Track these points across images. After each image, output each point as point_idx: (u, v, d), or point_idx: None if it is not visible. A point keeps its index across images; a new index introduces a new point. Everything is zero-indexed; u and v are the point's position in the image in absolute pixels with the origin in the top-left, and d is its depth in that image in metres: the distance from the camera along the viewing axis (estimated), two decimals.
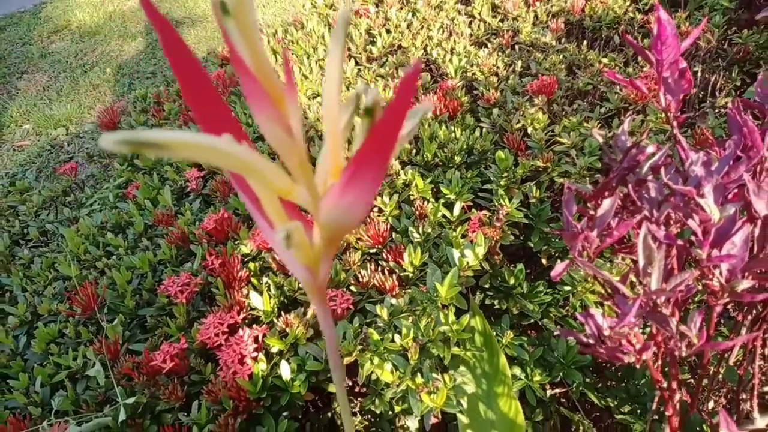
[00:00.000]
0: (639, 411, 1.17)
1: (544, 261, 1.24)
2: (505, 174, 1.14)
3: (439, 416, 0.92)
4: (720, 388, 0.95)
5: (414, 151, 1.26)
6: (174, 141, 0.23)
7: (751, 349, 0.77)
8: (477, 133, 1.27)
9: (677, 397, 0.74)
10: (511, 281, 1.10)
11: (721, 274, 0.58)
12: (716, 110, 1.40)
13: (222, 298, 1.02)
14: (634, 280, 0.66)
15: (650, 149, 0.71)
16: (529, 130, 1.25)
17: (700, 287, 0.62)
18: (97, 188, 1.53)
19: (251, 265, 1.08)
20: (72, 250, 1.23)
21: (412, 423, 1.09)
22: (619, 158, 0.75)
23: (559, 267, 0.65)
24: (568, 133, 1.20)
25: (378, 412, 1.03)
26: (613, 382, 1.24)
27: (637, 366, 0.60)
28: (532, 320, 1.14)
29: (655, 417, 1.12)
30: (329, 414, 1.13)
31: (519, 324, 1.20)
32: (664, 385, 0.67)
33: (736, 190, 0.65)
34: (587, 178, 1.13)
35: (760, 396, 0.87)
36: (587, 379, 1.10)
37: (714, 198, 0.60)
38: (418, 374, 0.85)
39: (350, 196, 0.26)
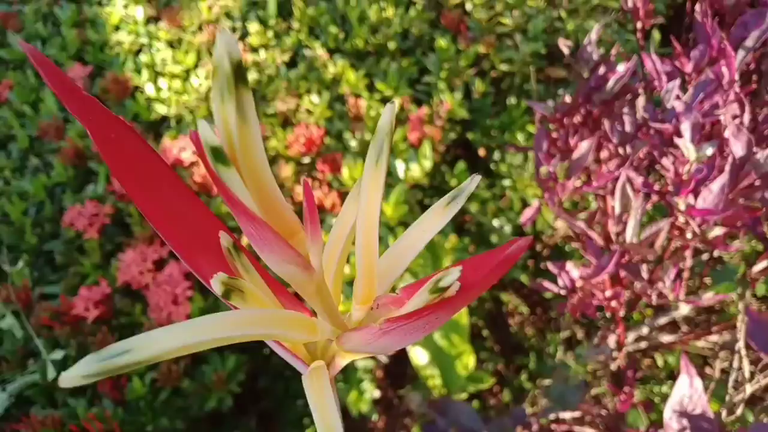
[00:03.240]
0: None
1: (481, 152, 1.20)
2: (446, 65, 1.03)
3: None
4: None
5: (342, 36, 1.11)
6: (163, 353, 0.17)
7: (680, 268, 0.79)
8: (411, 12, 1.12)
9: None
10: (453, 182, 1.06)
11: (693, 219, 0.55)
12: None
13: (139, 228, 0.91)
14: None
15: (620, 68, 0.65)
16: (468, 6, 1.12)
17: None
18: None
19: None
20: None
21: None
22: (585, 74, 0.68)
23: (528, 212, 0.60)
24: (511, 11, 1.09)
25: None
26: (542, 265, 1.30)
27: (607, 314, 0.59)
28: (475, 221, 1.12)
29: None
30: None
31: (455, 220, 1.19)
32: (621, 313, 0.68)
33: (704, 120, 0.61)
34: (532, 66, 1.05)
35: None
36: (520, 271, 1.13)
37: (691, 136, 0.55)
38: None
39: (391, 340, 0.23)
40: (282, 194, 0.22)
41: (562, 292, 0.57)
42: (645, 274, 0.55)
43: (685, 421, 0.56)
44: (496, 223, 1.13)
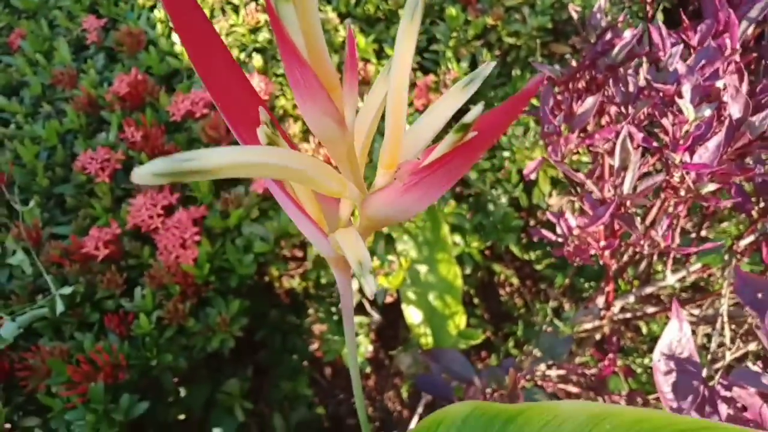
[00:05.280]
0: (558, 264, 1.28)
1: None
2: (455, 34, 1.06)
3: (394, 296, 0.95)
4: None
5: (354, 1, 1.13)
6: (222, 165, 0.20)
7: (673, 220, 0.83)
8: None
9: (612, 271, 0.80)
10: None
11: (688, 174, 0.59)
12: None
13: None
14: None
15: (627, 34, 0.68)
16: None
17: None
18: None
19: (177, 137, 0.98)
20: None
21: (353, 284, 1.13)
22: (592, 39, 0.71)
23: (531, 165, 0.63)
24: None
25: (323, 282, 1.05)
26: (535, 238, 1.34)
27: (601, 262, 0.63)
28: (473, 189, 1.16)
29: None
30: (266, 278, 1.14)
31: (454, 190, 1.22)
32: (613, 267, 0.71)
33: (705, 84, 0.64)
34: (538, 40, 1.08)
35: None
36: (514, 239, 1.16)
37: (691, 98, 0.59)
38: (373, 256, 0.85)
39: (413, 197, 0.25)
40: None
41: (560, 240, 0.61)
42: (639, 225, 0.59)
43: (672, 364, 0.60)
44: (493, 192, 1.16)
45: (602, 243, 0.60)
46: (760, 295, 0.61)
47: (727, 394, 0.60)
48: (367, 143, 0.28)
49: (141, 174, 0.18)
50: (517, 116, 0.23)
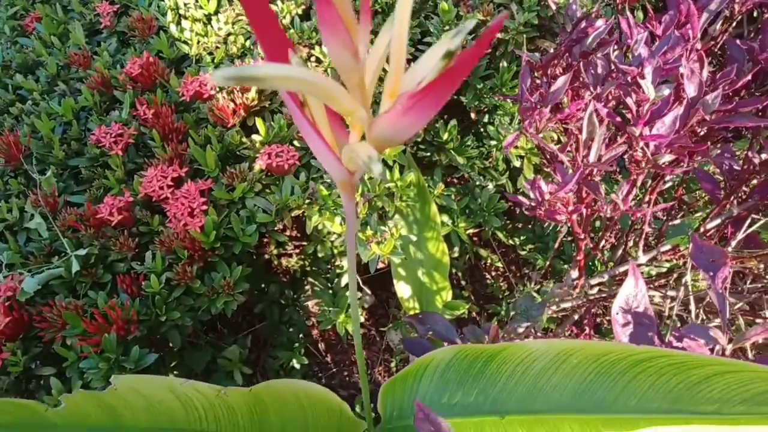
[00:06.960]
0: (540, 248, 1.36)
1: (473, 115, 1.30)
2: (447, 27, 1.13)
3: (386, 262, 1.02)
4: (611, 231, 1.12)
5: None
6: (271, 76, 0.27)
7: (648, 200, 0.91)
8: None
9: (584, 243, 0.87)
10: (445, 136, 1.16)
11: (648, 147, 0.66)
12: None
13: (160, 151, 1.00)
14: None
15: (599, 23, 0.75)
16: None
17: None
18: None
19: (186, 116, 1.04)
20: None
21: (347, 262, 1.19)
22: (568, 28, 0.78)
23: (510, 138, 0.71)
24: None
25: (320, 255, 1.12)
26: (520, 224, 1.41)
27: (568, 224, 0.70)
28: (461, 173, 1.23)
29: (555, 255, 1.31)
30: (266, 257, 1.21)
31: (446, 174, 1.29)
32: (582, 237, 0.79)
33: (666, 67, 0.71)
34: (524, 35, 1.15)
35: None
36: (499, 221, 1.24)
37: (652, 78, 0.66)
38: (367, 226, 0.92)
39: (410, 118, 0.31)
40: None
41: (533, 204, 0.68)
42: (603, 192, 0.66)
43: (629, 317, 0.67)
44: (481, 179, 1.24)
45: (570, 208, 0.68)
46: (712, 260, 0.69)
47: (679, 344, 0.67)
48: (373, 78, 0.34)
49: (217, 76, 0.24)
50: (485, 51, 0.29)
